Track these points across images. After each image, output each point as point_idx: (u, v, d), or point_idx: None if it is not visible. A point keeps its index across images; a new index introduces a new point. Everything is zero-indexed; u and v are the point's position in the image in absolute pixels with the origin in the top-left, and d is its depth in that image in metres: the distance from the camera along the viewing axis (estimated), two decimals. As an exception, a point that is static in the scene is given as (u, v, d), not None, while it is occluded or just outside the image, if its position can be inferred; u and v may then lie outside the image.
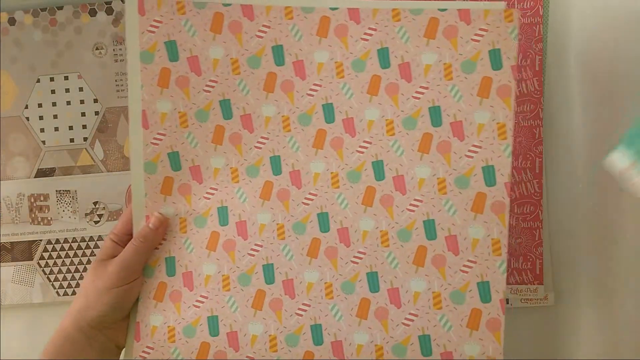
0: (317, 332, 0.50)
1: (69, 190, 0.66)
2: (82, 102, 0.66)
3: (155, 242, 0.52)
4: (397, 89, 0.50)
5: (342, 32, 0.50)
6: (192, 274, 0.52)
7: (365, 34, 0.50)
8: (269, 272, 0.51)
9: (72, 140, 0.66)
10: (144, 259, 0.52)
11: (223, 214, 0.52)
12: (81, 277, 0.66)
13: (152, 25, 0.52)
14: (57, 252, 0.66)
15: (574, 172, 0.60)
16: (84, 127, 0.66)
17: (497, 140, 0.49)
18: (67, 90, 0.66)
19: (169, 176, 0.53)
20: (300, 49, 0.51)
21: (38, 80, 0.66)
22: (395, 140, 0.50)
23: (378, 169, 0.50)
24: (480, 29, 0.48)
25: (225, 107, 0.52)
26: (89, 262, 0.66)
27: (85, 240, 0.66)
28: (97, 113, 0.66)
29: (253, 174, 0.52)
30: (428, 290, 0.49)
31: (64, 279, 0.66)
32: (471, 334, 0.49)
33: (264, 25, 0.51)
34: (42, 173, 0.67)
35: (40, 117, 0.66)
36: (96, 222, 0.66)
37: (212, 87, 0.52)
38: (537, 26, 0.60)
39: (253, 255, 0.51)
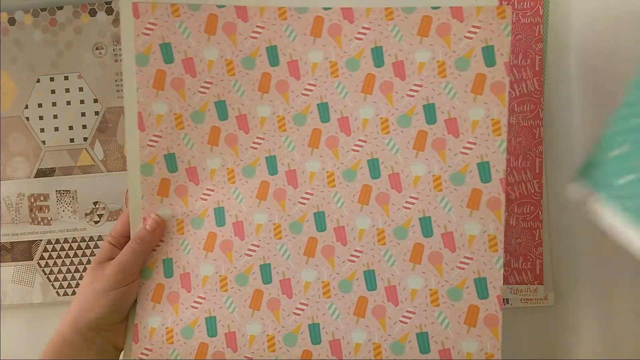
0: (314, 331, 0.50)
1: (69, 190, 0.66)
2: (82, 102, 0.66)
3: (153, 244, 0.52)
4: (392, 87, 0.50)
5: (335, 32, 0.50)
6: (189, 275, 0.52)
7: (359, 33, 0.50)
8: (266, 272, 0.51)
9: (72, 140, 0.66)
10: (141, 261, 0.52)
11: (220, 215, 0.52)
12: (81, 277, 0.66)
13: (146, 28, 0.52)
14: (57, 252, 0.66)
15: (574, 172, 0.60)
16: (84, 127, 0.66)
17: (491, 136, 0.48)
18: (67, 90, 0.66)
19: (166, 178, 0.53)
20: (294, 49, 0.51)
21: (38, 80, 0.66)
22: (390, 138, 0.50)
23: (373, 167, 0.50)
24: (473, 26, 0.48)
25: (221, 108, 0.52)
26: (89, 262, 0.66)
27: (85, 241, 0.66)
28: (97, 113, 0.66)
29: (249, 174, 0.52)
30: (425, 288, 0.49)
31: (64, 279, 0.66)
32: (469, 330, 0.49)
33: (258, 26, 0.51)
34: (42, 173, 0.67)
35: (40, 117, 0.67)
36: (96, 222, 0.66)
37: (208, 88, 0.52)
38: (537, 26, 0.59)
39: (250, 256, 0.51)
